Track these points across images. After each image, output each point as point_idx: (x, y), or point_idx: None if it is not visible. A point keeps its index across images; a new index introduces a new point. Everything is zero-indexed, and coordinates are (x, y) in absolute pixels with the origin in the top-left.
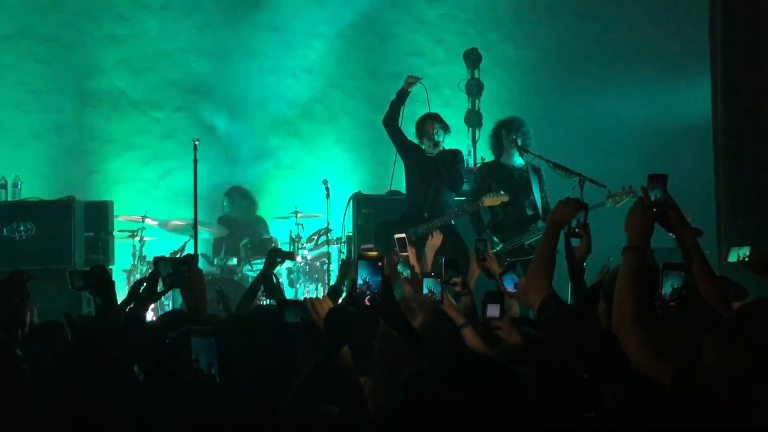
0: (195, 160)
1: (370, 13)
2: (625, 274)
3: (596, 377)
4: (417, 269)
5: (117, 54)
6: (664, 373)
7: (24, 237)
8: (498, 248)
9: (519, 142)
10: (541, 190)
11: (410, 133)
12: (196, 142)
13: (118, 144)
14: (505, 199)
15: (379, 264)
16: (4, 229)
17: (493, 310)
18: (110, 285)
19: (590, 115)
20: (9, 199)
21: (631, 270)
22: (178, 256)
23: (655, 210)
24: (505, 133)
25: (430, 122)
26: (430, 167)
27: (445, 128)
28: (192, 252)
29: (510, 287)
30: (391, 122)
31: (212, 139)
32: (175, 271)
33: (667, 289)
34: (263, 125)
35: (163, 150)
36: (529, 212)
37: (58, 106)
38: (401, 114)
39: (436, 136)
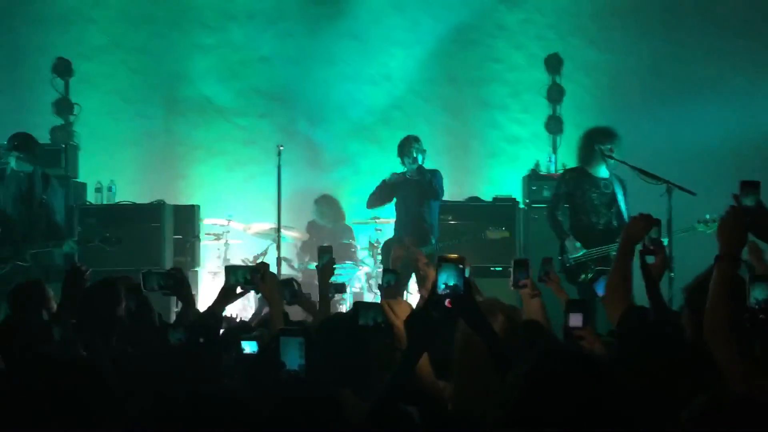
0: (279, 166)
1: (450, 19)
2: (718, 283)
3: (678, 388)
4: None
5: (204, 63)
6: (760, 385)
7: (113, 248)
8: (579, 254)
9: (605, 150)
10: (626, 202)
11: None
12: (281, 148)
13: (204, 150)
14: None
15: (461, 266)
16: (96, 239)
17: (575, 319)
18: (186, 287)
19: (677, 121)
20: (105, 202)
21: (724, 279)
22: (260, 260)
23: (747, 217)
24: (593, 143)
25: (410, 142)
26: (413, 190)
27: (421, 150)
28: (277, 255)
29: (601, 292)
30: (376, 206)
31: (293, 145)
32: (246, 279)
33: (755, 300)
34: (342, 131)
35: (246, 155)
36: (615, 223)
37: (148, 114)
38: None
39: (414, 152)
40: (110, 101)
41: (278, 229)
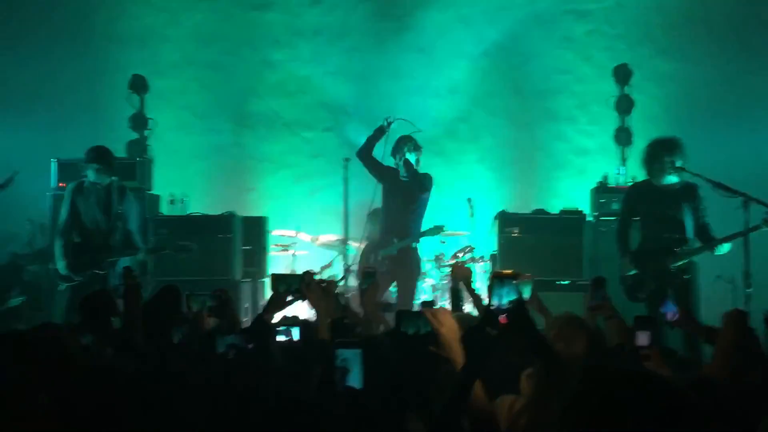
0: (345, 179)
1: (516, 31)
2: None
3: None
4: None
5: (272, 78)
6: None
7: (185, 258)
8: (629, 272)
9: (678, 164)
10: (696, 210)
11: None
12: (347, 161)
13: (272, 163)
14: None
15: (514, 282)
16: (169, 247)
17: (643, 338)
18: (231, 308)
19: (752, 132)
20: (177, 213)
21: None
22: (327, 271)
23: None
24: (659, 154)
25: (404, 141)
26: (400, 190)
27: (417, 148)
28: (345, 266)
29: (670, 313)
30: (365, 155)
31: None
32: (291, 288)
33: None
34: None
35: (312, 168)
36: (677, 235)
37: (218, 128)
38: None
39: (407, 153)
40: (182, 116)
41: (345, 241)
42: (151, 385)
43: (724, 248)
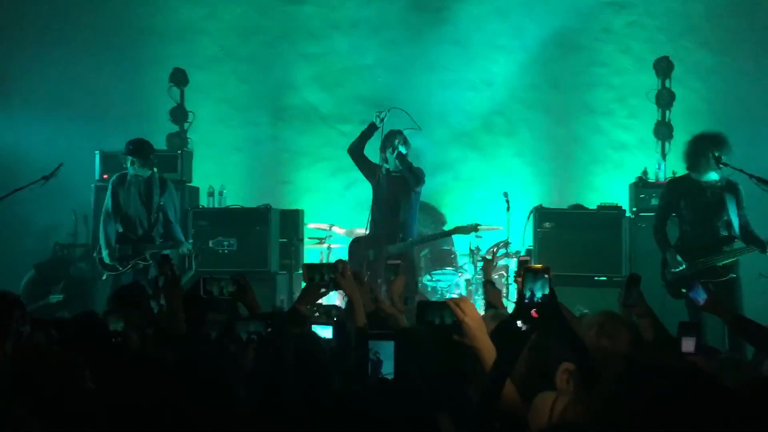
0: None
1: (554, 23)
2: None
3: None
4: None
5: (309, 71)
6: None
7: (226, 252)
8: (681, 268)
9: (719, 157)
10: (739, 207)
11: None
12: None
13: (308, 156)
14: (476, 229)
15: (546, 276)
16: (210, 242)
17: (688, 345)
18: (250, 294)
19: None
20: (216, 206)
21: None
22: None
23: None
24: (703, 149)
25: (394, 135)
26: (393, 185)
27: (407, 141)
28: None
29: (699, 300)
30: (357, 152)
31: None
32: (326, 277)
33: None
34: (443, 138)
35: (348, 162)
36: (723, 232)
37: (256, 121)
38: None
39: (399, 146)
40: (221, 109)
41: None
42: (193, 374)
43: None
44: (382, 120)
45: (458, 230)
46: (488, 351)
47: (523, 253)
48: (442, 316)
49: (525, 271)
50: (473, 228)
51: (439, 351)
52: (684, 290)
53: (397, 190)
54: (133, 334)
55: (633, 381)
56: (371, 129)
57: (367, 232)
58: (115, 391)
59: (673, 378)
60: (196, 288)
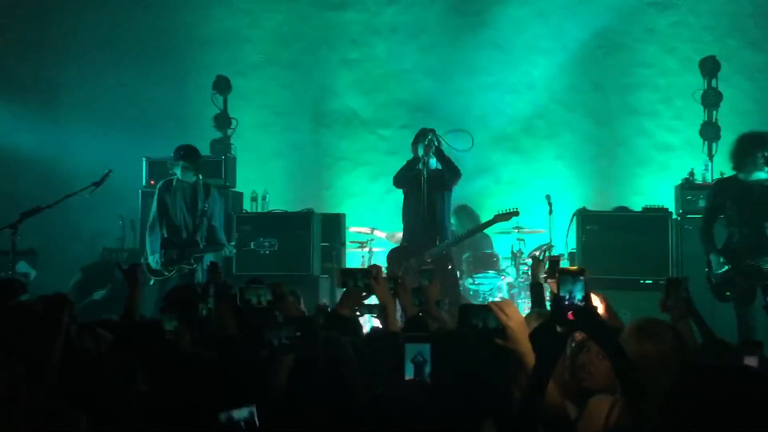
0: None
1: (596, 25)
2: None
3: None
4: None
5: (349, 77)
6: None
7: (267, 252)
8: (723, 269)
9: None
10: None
11: None
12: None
13: (349, 161)
14: (517, 214)
15: (581, 278)
16: (251, 243)
17: (751, 362)
18: (287, 302)
19: None
20: (259, 210)
21: None
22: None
23: None
24: (751, 149)
25: (429, 131)
26: (428, 181)
27: (439, 140)
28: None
29: None
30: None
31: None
32: (358, 283)
33: None
34: (484, 141)
35: (389, 166)
36: None
37: (297, 127)
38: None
39: (427, 147)
40: (262, 115)
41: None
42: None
43: None
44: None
45: (498, 218)
46: (531, 355)
47: (566, 257)
48: (486, 320)
49: (561, 274)
50: (513, 213)
51: (482, 354)
52: (728, 293)
53: (434, 190)
54: (186, 333)
55: (689, 384)
56: (413, 163)
57: (402, 239)
58: (167, 392)
59: (730, 380)
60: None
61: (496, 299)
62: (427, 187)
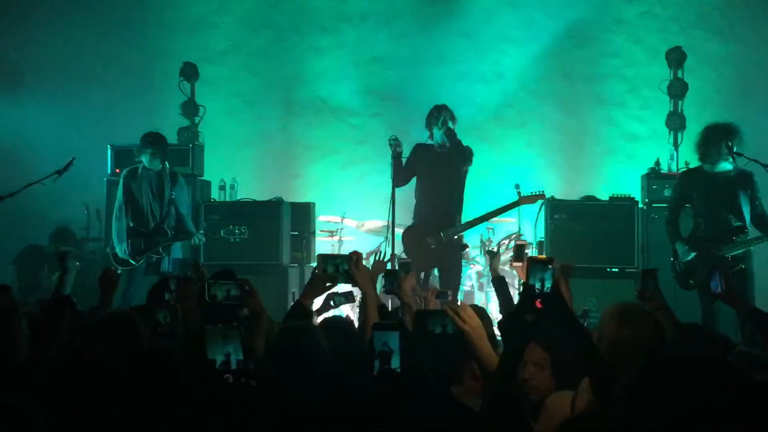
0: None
1: (566, 15)
2: None
3: None
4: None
5: (319, 65)
6: None
7: (237, 240)
8: (689, 257)
9: (731, 147)
10: (754, 198)
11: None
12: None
13: (319, 149)
14: (543, 197)
15: (550, 267)
16: (222, 230)
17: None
18: (256, 299)
19: None
20: (227, 199)
21: None
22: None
23: None
24: (715, 139)
25: (444, 110)
26: (441, 164)
27: (454, 118)
28: (391, 252)
29: (717, 289)
30: (399, 182)
31: (405, 144)
32: (338, 269)
33: None
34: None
35: (359, 154)
36: (736, 223)
37: (266, 115)
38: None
39: (442, 123)
40: (231, 103)
41: (392, 227)
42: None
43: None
44: (396, 148)
45: (523, 200)
46: (490, 357)
47: (535, 245)
48: (444, 326)
49: (531, 262)
50: (540, 196)
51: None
52: (692, 281)
53: (447, 169)
54: (179, 324)
55: (655, 374)
56: (396, 160)
57: (413, 220)
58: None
59: (700, 370)
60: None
61: (466, 287)
62: (441, 167)
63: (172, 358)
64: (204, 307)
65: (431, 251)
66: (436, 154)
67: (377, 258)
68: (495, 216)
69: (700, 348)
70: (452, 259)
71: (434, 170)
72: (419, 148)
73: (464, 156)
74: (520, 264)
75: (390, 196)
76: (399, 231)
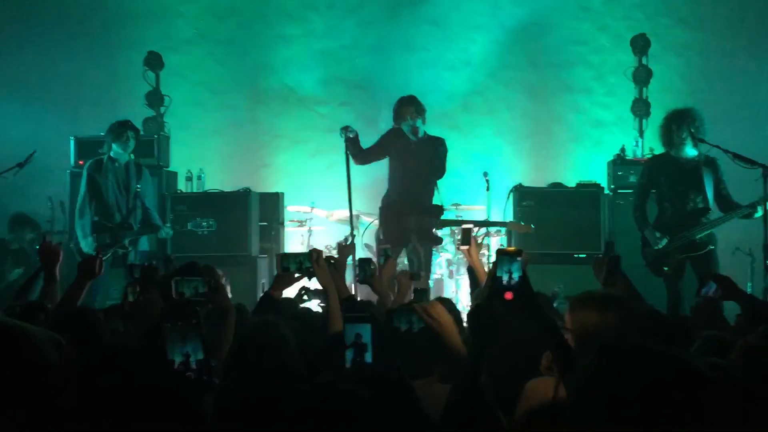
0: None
1: (531, 2)
2: None
3: None
4: (476, 264)
5: (286, 53)
6: None
7: (206, 233)
8: (661, 244)
9: (694, 133)
10: (720, 181)
11: None
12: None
13: (286, 138)
14: (530, 230)
15: (518, 258)
16: (188, 224)
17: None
18: (224, 295)
19: None
20: (194, 190)
21: None
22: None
23: None
24: (677, 125)
25: (405, 107)
26: (412, 155)
27: (420, 111)
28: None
29: (712, 291)
30: (361, 158)
31: (373, 132)
32: (299, 266)
33: None
34: None
35: (328, 143)
36: (701, 205)
37: (233, 104)
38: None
39: (410, 120)
40: (197, 92)
41: (350, 218)
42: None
43: (760, 212)
44: (347, 134)
45: (512, 226)
46: (460, 352)
47: (503, 232)
48: (411, 322)
49: (499, 255)
50: (528, 228)
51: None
52: (666, 268)
53: (420, 158)
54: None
55: (604, 366)
56: (350, 143)
57: (388, 199)
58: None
59: (647, 364)
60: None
61: (436, 276)
62: (417, 155)
63: (129, 355)
64: (168, 301)
65: (409, 230)
66: (408, 143)
67: (342, 243)
68: (479, 225)
69: (662, 332)
70: (428, 244)
71: (407, 157)
72: (394, 132)
73: (435, 150)
74: (466, 247)
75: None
76: (368, 220)
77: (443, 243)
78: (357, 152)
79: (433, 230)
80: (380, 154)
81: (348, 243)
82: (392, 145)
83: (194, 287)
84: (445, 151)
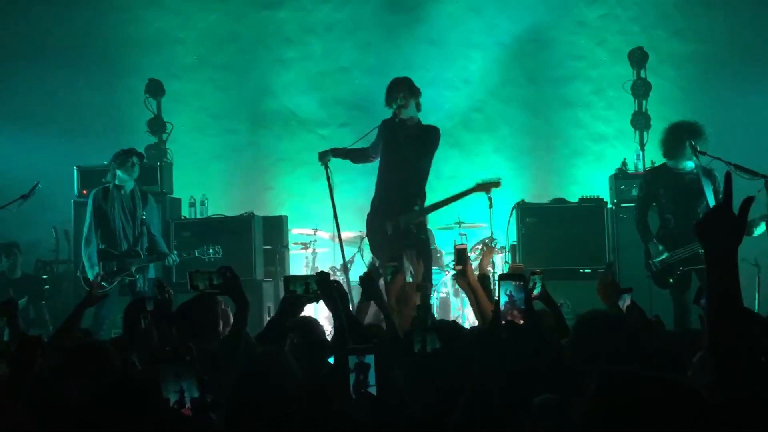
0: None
1: (528, 19)
2: None
3: None
4: (474, 284)
5: (286, 76)
6: None
7: (212, 260)
8: (663, 257)
9: (695, 146)
10: (717, 191)
11: None
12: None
13: (289, 161)
14: (498, 185)
15: (521, 283)
16: (196, 251)
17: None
18: (239, 286)
19: None
20: (198, 216)
21: None
22: (349, 267)
23: None
24: (684, 138)
25: (397, 87)
26: (398, 149)
27: (414, 93)
28: (342, 262)
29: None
30: (357, 158)
31: None
32: (309, 289)
33: None
34: None
35: (329, 165)
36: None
37: (235, 129)
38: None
39: (401, 101)
40: (199, 118)
41: (339, 237)
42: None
43: (761, 229)
44: (327, 162)
45: (480, 187)
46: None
47: (508, 249)
48: (424, 342)
49: (500, 279)
50: (495, 184)
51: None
52: (671, 280)
53: (406, 152)
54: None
55: (606, 391)
56: (342, 155)
57: (373, 200)
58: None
59: (649, 392)
60: (196, 304)
61: (441, 294)
62: (404, 148)
63: (144, 389)
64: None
65: (390, 237)
66: (396, 133)
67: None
68: (451, 202)
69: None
70: (418, 245)
71: (392, 152)
72: (383, 126)
73: (428, 140)
74: (460, 267)
75: (364, 210)
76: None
77: (448, 263)
78: (347, 155)
79: (414, 229)
80: (374, 149)
81: (370, 268)
82: (380, 141)
83: (209, 279)
84: (433, 143)
